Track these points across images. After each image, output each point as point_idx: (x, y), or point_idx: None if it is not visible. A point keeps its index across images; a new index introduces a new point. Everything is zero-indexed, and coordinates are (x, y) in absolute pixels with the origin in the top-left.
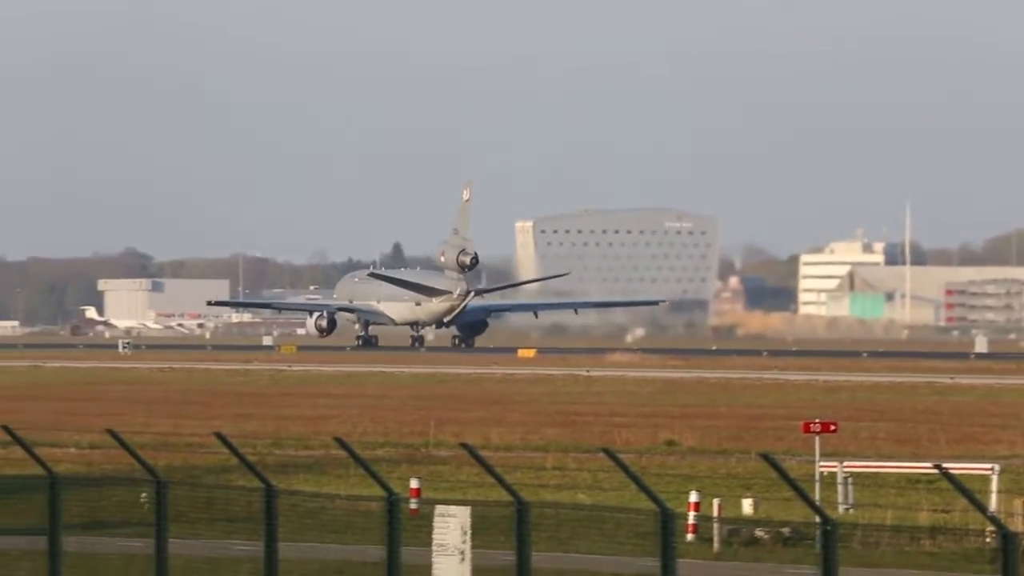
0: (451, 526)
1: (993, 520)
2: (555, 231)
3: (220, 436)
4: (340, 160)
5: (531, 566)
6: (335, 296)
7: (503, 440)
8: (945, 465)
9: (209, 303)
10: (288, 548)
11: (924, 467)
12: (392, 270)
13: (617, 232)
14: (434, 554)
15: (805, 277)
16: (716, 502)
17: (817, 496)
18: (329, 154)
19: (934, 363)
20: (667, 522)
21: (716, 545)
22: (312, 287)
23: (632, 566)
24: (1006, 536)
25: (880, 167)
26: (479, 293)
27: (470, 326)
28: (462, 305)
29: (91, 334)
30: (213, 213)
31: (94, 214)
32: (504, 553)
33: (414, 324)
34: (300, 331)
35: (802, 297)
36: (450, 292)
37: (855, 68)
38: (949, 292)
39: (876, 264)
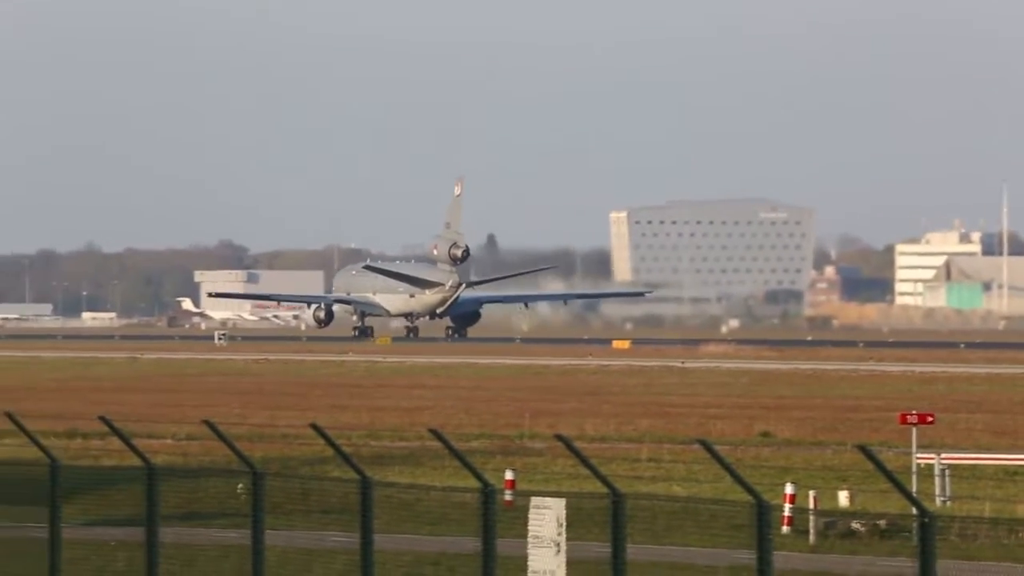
0: (546, 518)
1: None
2: (649, 222)
3: (316, 427)
4: (437, 153)
5: (626, 558)
6: (334, 288)
7: (598, 431)
8: None
9: (210, 295)
10: (383, 540)
11: (1022, 459)
12: (388, 262)
13: (712, 223)
14: (529, 546)
15: (901, 267)
16: (812, 494)
17: (914, 488)
18: (428, 148)
19: None
20: (763, 514)
21: (812, 537)
22: None
23: (727, 558)
24: None
25: (978, 156)
26: (470, 285)
27: (463, 317)
28: (454, 296)
29: (187, 326)
30: (308, 204)
31: (191, 206)
32: (599, 545)
33: (408, 315)
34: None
35: (898, 287)
36: (442, 284)
37: (953, 57)
38: None
39: (973, 254)
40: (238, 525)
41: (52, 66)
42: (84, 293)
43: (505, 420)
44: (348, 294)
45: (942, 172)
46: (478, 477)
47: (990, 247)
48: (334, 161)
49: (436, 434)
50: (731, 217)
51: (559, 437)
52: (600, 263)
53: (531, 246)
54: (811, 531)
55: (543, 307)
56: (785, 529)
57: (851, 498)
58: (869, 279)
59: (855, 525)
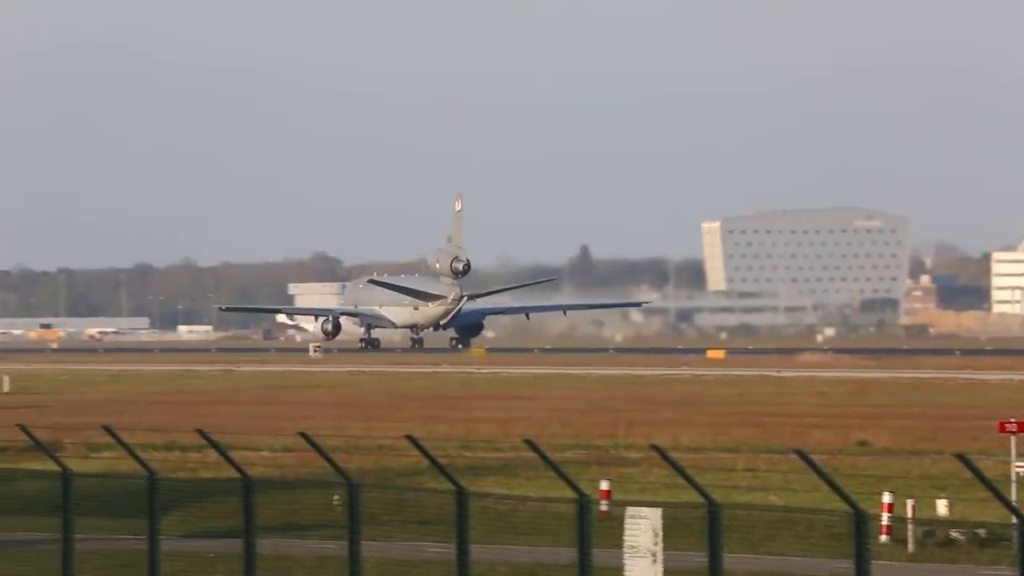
0: (642, 528)
1: None
2: (743, 231)
3: (411, 439)
4: (523, 163)
5: (723, 568)
6: (343, 301)
7: (693, 441)
8: None
9: (219, 309)
10: (479, 550)
11: None
12: (393, 276)
13: (806, 232)
14: (625, 556)
15: (998, 275)
16: (910, 503)
17: (1013, 496)
18: (516, 158)
19: None
20: (861, 523)
21: (911, 546)
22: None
23: (826, 568)
24: None
25: None
26: (472, 298)
27: (466, 328)
28: (456, 308)
29: (282, 338)
30: (400, 215)
31: (285, 219)
32: (696, 555)
33: (413, 327)
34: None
35: (995, 295)
36: (445, 297)
37: None
38: None
39: None
40: (335, 536)
41: (150, 81)
42: (180, 307)
43: (600, 430)
44: (356, 307)
45: None
46: (573, 487)
47: None
48: (430, 172)
49: (531, 444)
50: (826, 226)
51: (654, 447)
52: (695, 272)
53: (623, 255)
54: (910, 540)
55: (636, 316)
56: (884, 538)
57: (950, 507)
58: (965, 287)
59: (954, 534)
